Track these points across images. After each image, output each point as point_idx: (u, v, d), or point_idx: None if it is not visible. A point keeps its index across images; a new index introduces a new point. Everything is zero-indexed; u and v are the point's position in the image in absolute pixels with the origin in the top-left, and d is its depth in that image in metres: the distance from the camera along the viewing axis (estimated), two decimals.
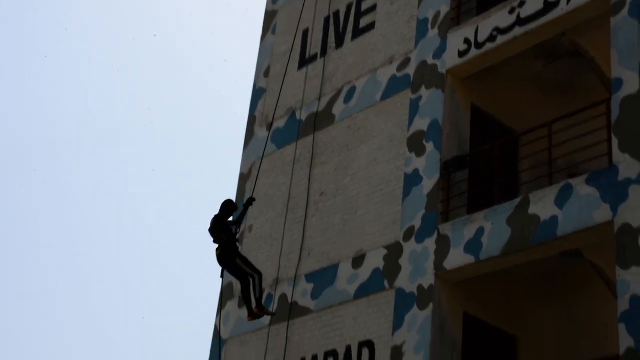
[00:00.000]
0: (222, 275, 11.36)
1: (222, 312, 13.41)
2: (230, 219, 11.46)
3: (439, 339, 10.52)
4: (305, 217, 12.92)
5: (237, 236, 11.44)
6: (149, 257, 50.52)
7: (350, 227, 12.19)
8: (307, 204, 13.03)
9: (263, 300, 11.48)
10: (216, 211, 11.39)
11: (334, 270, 12.02)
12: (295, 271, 12.52)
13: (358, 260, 11.77)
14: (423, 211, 11.28)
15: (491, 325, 11.35)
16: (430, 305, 10.63)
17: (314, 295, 12.09)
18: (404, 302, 10.93)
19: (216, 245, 11.15)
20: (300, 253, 12.64)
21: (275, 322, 12.40)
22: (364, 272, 11.61)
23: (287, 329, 12.13)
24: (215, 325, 13.41)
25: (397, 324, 10.86)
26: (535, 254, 10.20)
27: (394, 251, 11.39)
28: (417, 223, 11.28)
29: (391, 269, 11.29)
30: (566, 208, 9.77)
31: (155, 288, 50.00)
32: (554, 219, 9.83)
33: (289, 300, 12.36)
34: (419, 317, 10.66)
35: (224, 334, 13.20)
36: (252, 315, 11.23)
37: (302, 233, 12.79)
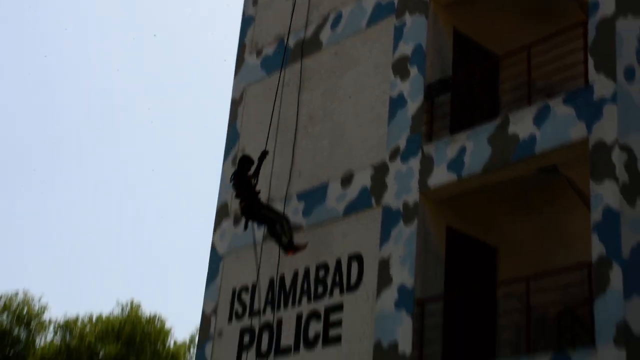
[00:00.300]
0: (246, 227, 12.11)
1: (218, 230, 14.04)
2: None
3: (424, 252, 11.17)
4: (295, 140, 13.42)
5: (257, 188, 12.06)
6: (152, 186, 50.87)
7: (339, 149, 12.72)
8: (296, 128, 13.53)
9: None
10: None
11: (324, 189, 12.60)
12: (286, 191, 13.10)
13: (347, 180, 12.35)
14: (408, 133, 11.81)
15: (473, 238, 11.99)
16: (415, 221, 11.24)
17: (305, 213, 12.70)
18: (390, 219, 11.54)
19: (239, 200, 11.90)
20: (291, 174, 13.18)
21: (269, 239, 13.00)
22: (353, 191, 12.19)
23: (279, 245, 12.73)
24: (213, 242, 14.04)
25: (384, 238, 11.49)
26: (515, 171, 10.78)
27: (380, 171, 11.95)
28: (402, 144, 11.82)
29: (378, 188, 11.87)
30: (544, 127, 10.32)
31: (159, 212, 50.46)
32: (532, 137, 10.39)
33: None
34: (404, 232, 11.29)
35: (220, 250, 13.84)
36: (293, 249, 11.91)
37: (292, 155, 13.32)
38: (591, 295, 9.42)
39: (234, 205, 13.97)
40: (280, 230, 11.89)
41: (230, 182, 12.15)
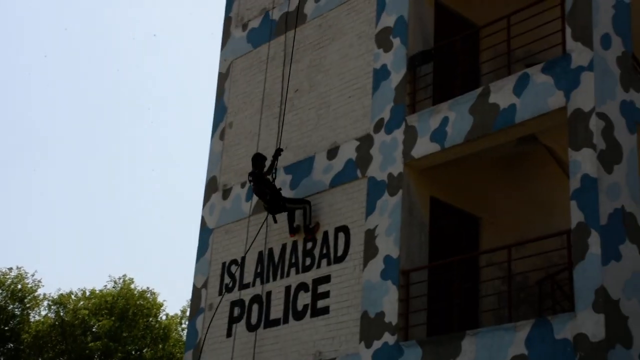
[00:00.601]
0: (275, 221, 12.44)
1: (207, 205, 14.19)
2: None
3: (409, 222, 11.34)
4: (282, 113, 13.54)
5: (274, 181, 12.40)
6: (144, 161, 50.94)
7: (324, 121, 12.84)
8: (282, 100, 13.63)
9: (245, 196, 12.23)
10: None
11: (310, 162, 12.74)
12: (273, 163, 13.21)
13: (332, 152, 12.49)
14: (391, 104, 11.93)
15: (456, 208, 12.17)
16: (400, 191, 11.40)
17: (293, 185, 12.85)
18: (375, 190, 11.70)
19: (263, 199, 12.25)
20: (277, 147, 13.29)
21: (257, 212, 13.17)
22: (338, 163, 12.33)
23: (267, 218, 12.91)
24: (202, 217, 14.20)
25: (370, 209, 11.66)
26: (496, 140, 10.92)
27: (365, 142, 12.09)
28: (386, 115, 11.95)
29: (363, 159, 12.02)
30: (524, 96, 10.44)
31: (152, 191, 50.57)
32: (512, 107, 10.52)
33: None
34: (389, 203, 11.45)
35: (210, 224, 14.00)
36: (311, 234, 12.20)
37: (278, 128, 13.43)
38: (570, 262, 9.61)
39: (223, 179, 14.12)
40: (303, 215, 12.23)
41: (249, 183, 12.43)
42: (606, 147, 9.68)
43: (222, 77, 14.94)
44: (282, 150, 12.60)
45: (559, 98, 10.11)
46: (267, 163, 12.59)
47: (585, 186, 9.57)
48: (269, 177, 12.36)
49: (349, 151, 12.24)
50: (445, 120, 11.15)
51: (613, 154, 9.73)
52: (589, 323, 9.03)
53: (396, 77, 11.99)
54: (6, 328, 27.67)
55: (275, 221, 12.45)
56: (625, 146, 9.87)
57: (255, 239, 12.91)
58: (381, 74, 12.21)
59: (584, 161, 9.67)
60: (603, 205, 9.42)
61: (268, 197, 12.18)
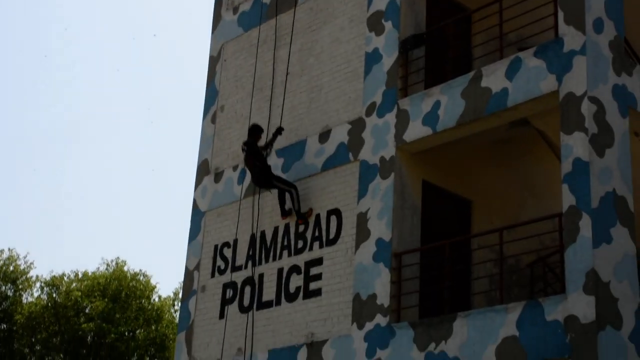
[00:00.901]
0: (259, 196, 12.49)
1: (199, 187, 14.20)
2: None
3: (401, 205, 11.39)
4: (273, 96, 13.52)
5: (267, 157, 12.45)
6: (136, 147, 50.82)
7: (316, 104, 12.84)
8: (273, 84, 13.61)
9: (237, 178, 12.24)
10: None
11: (302, 145, 12.75)
12: (265, 147, 13.22)
13: (324, 136, 12.50)
14: (383, 88, 11.93)
15: (448, 191, 12.22)
16: (392, 175, 11.43)
17: (285, 169, 12.86)
18: (367, 173, 11.73)
19: (251, 170, 12.22)
20: (269, 130, 13.29)
21: (248, 195, 13.19)
22: (330, 146, 12.35)
23: (259, 201, 12.93)
24: (194, 200, 14.22)
25: (362, 193, 11.69)
26: (488, 124, 10.95)
27: (357, 126, 12.10)
28: (378, 99, 11.95)
29: (355, 143, 12.03)
30: (516, 80, 10.46)
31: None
32: (504, 90, 10.54)
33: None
34: (381, 186, 11.49)
35: (202, 207, 14.02)
36: (302, 218, 12.17)
37: (270, 112, 13.42)
38: (562, 245, 9.69)
39: (214, 162, 14.12)
40: (290, 199, 12.22)
41: (242, 151, 12.40)
42: (598, 131, 9.73)
43: (213, 61, 14.89)
44: (283, 129, 12.61)
45: (551, 82, 10.13)
46: (264, 136, 12.60)
47: (577, 170, 9.62)
48: (264, 151, 12.35)
49: (340, 134, 12.26)
50: (437, 104, 11.17)
51: (605, 137, 9.78)
52: (579, 305, 9.11)
53: (388, 60, 11.98)
54: None
55: (259, 192, 12.47)
56: (617, 130, 9.91)
57: (258, 218, 12.87)
58: (373, 58, 12.20)
59: (575, 145, 9.71)
60: (594, 189, 9.48)
61: (257, 170, 12.13)
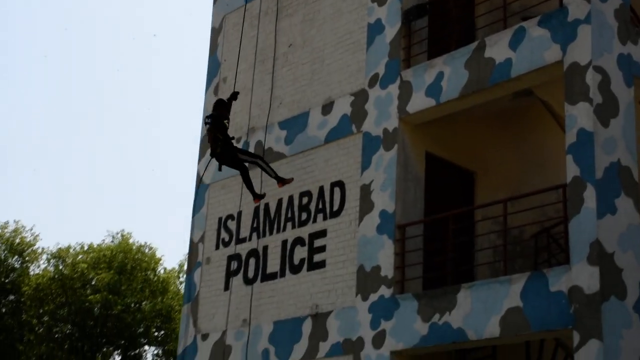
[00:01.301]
0: (220, 169, 12.04)
1: (203, 160, 14.17)
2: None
3: (404, 177, 11.36)
4: (275, 68, 13.44)
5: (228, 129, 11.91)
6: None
7: (319, 76, 12.76)
8: (275, 55, 13.52)
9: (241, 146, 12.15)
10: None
11: (305, 117, 12.70)
12: (267, 119, 13.19)
13: (327, 108, 12.44)
14: (386, 59, 11.84)
15: (451, 163, 12.18)
16: (395, 146, 11.39)
17: (288, 141, 12.83)
18: (370, 145, 11.68)
19: (213, 144, 11.65)
20: (271, 102, 13.25)
21: (252, 167, 13.17)
22: (333, 118, 12.29)
23: (262, 173, 12.91)
24: (198, 172, 14.21)
25: (365, 165, 11.66)
26: (491, 95, 10.88)
27: (360, 98, 12.03)
28: (381, 70, 11.87)
29: (358, 115, 11.98)
30: (519, 50, 10.37)
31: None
32: (508, 61, 10.45)
33: (264, 147, 13.09)
34: (385, 158, 11.45)
35: (206, 180, 14.01)
36: (258, 197, 12.00)
37: (272, 83, 13.35)
38: (566, 216, 9.67)
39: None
40: (263, 170, 11.95)
41: (205, 125, 11.85)
42: (603, 101, 9.65)
43: (215, 32, 14.79)
44: (237, 93, 12.28)
45: (556, 52, 10.04)
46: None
47: (581, 140, 9.57)
48: (226, 122, 11.81)
49: (343, 106, 12.20)
50: (440, 75, 11.09)
51: (609, 107, 9.70)
52: (583, 276, 9.12)
53: (391, 31, 11.87)
54: (7, 281, 27.89)
55: (220, 169, 12.09)
56: (622, 100, 9.83)
57: (261, 190, 12.85)
58: (375, 29, 12.09)
59: (580, 115, 9.65)
60: (599, 159, 9.44)
61: (220, 143, 11.62)
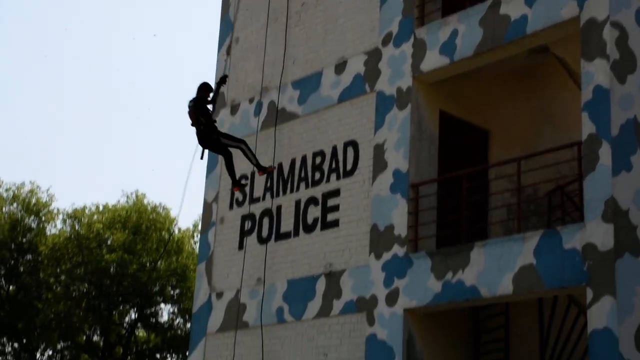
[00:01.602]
0: (202, 157, 11.42)
1: (216, 120, 14.11)
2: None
3: (418, 136, 11.33)
4: (288, 27, 13.34)
5: (214, 115, 11.42)
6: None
7: (332, 35, 12.67)
8: (288, 14, 13.41)
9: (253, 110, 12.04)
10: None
11: (318, 77, 12.63)
12: (280, 79, 13.14)
13: (340, 67, 12.37)
14: (400, 17, 11.73)
15: (466, 121, 12.12)
16: (409, 105, 11.34)
17: (301, 101, 12.79)
18: (384, 104, 11.63)
19: (195, 129, 11.08)
20: (284, 62, 13.18)
21: (265, 128, 13.17)
22: (346, 77, 12.23)
23: (275, 133, 12.91)
24: None
25: (379, 124, 11.63)
26: (506, 52, 10.77)
27: (373, 57, 11.95)
28: (394, 29, 11.76)
29: (371, 74, 11.90)
30: (535, 6, 10.24)
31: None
32: (524, 17, 10.33)
33: (277, 107, 13.07)
34: (398, 117, 11.41)
35: None
36: (239, 186, 11.73)
37: (285, 43, 13.27)
38: (581, 173, 9.63)
39: (230, 95, 14.05)
40: (246, 157, 11.50)
41: (188, 108, 11.15)
42: (620, 57, 9.55)
43: None
44: (227, 76, 11.69)
45: (572, 7, 9.92)
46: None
47: (597, 97, 9.49)
48: (211, 104, 11.30)
49: (357, 65, 12.12)
50: (454, 33, 10.98)
51: (627, 63, 9.60)
52: (598, 233, 9.11)
53: None
54: (24, 240, 28.15)
55: (202, 157, 11.43)
56: (639, 55, 9.71)
57: (275, 150, 12.88)
58: None
59: (596, 72, 9.56)
60: (615, 116, 9.37)
61: (202, 127, 11.06)
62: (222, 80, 11.51)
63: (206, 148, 11.35)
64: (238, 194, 13.40)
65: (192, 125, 11.18)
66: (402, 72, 11.50)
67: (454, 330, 11.22)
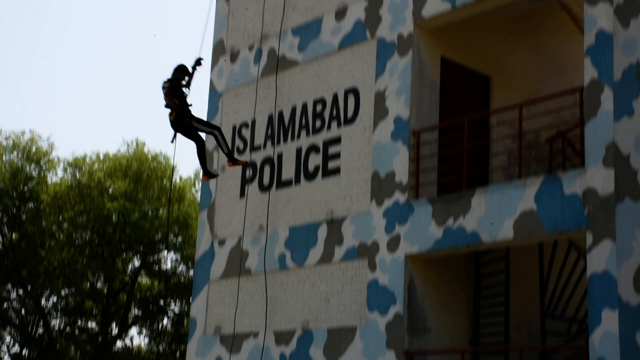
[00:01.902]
0: (173, 141, 11.06)
1: (215, 68, 14.09)
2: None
3: (419, 83, 11.27)
4: None
5: (188, 97, 11.04)
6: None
7: None
8: None
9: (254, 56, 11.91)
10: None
11: (318, 23, 12.52)
12: (280, 26, 13.03)
13: (340, 13, 12.25)
14: None
15: (467, 68, 12.04)
16: (410, 52, 11.26)
17: (301, 48, 12.69)
18: (385, 51, 11.55)
19: (169, 111, 10.85)
20: (284, 8, 13.05)
21: (266, 75, 13.08)
22: (347, 24, 12.12)
23: (276, 81, 12.84)
24: (211, 80, 14.14)
25: (380, 71, 11.56)
26: None
27: (374, 3, 11.81)
28: None
29: (372, 20, 11.79)
30: None
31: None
32: None
33: (277, 54, 12.98)
34: (399, 64, 11.34)
35: (219, 88, 13.96)
36: (209, 175, 11.53)
37: None
38: (582, 119, 9.61)
39: (230, 42, 13.94)
40: (218, 145, 11.30)
41: (162, 89, 10.87)
42: (624, 1, 9.44)
43: None
44: (202, 59, 11.28)
45: None
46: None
47: (600, 42, 9.43)
48: (185, 90, 10.99)
49: (357, 12, 12.00)
50: None
51: (631, 7, 9.48)
52: (598, 178, 9.14)
53: None
54: (25, 189, 28.21)
55: (172, 141, 11.02)
56: None
57: (276, 97, 12.81)
58: None
59: (599, 16, 9.47)
60: (618, 61, 9.31)
61: (176, 110, 10.76)
62: (197, 63, 11.14)
63: (178, 132, 10.95)
64: (239, 142, 13.39)
65: (166, 106, 10.89)
66: (403, 18, 11.39)
67: (454, 275, 11.34)
